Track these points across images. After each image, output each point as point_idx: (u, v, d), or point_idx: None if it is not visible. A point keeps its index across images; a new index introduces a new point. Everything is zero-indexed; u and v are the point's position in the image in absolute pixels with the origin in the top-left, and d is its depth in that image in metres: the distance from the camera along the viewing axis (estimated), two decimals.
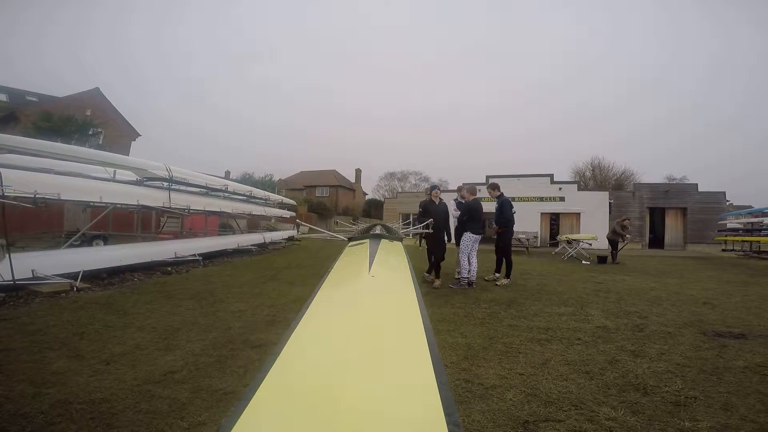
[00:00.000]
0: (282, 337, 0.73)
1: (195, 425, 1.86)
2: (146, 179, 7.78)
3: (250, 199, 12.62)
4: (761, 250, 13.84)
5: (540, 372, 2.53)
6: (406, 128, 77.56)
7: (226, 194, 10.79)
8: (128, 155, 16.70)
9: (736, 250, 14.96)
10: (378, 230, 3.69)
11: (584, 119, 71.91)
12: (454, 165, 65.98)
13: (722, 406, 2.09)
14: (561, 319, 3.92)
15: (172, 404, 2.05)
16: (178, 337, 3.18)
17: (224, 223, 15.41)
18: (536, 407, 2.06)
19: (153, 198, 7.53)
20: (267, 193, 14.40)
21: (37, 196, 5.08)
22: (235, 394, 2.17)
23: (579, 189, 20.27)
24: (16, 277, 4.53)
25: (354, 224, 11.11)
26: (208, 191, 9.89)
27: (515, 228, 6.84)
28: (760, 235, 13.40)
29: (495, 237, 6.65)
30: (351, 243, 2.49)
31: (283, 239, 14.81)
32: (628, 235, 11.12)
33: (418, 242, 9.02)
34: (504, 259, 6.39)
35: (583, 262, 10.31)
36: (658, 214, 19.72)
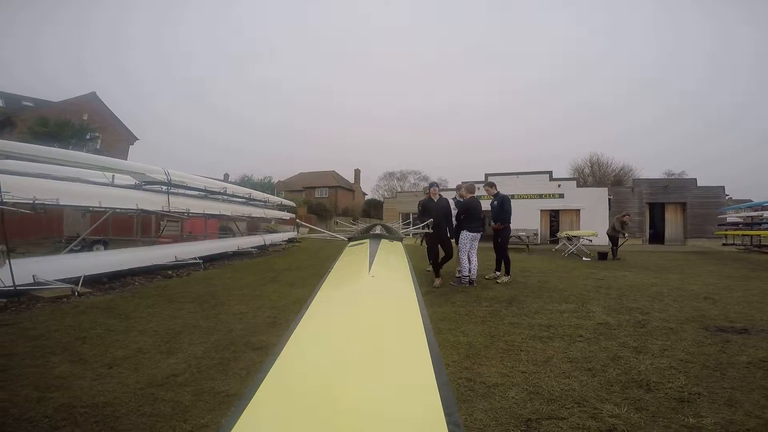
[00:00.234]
0: (282, 337, 0.73)
1: (198, 428, 1.86)
2: (145, 183, 7.78)
3: (249, 201, 12.63)
4: (762, 244, 13.83)
5: (542, 370, 2.53)
6: (406, 128, 77.62)
7: (225, 197, 10.80)
8: (126, 159, 16.73)
9: (736, 245, 14.96)
10: (378, 230, 3.69)
11: (583, 117, 72.02)
12: (454, 164, 65.99)
13: (726, 401, 2.08)
14: (562, 317, 3.92)
15: (175, 407, 2.05)
16: (179, 340, 3.18)
17: (224, 226, 15.42)
18: (539, 405, 2.05)
19: (152, 202, 7.53)
20: (266, 195, 14.40)
21: (36, 201, 5.08)
22: (238, 396, 2.17)
23: (578, 186, 20.26)
24: (17, 283, 4.53)
25: (354, 224, 11.11)
26: (207, 194, 9.89)
27: (511, 225, 6.83)
28: (760, 229, 13.40)
29: (493, 234, 6.64)
30: (351, 243, 2.49)
31: (283, 241, 14.81)
32: (627, 233, 11.12)
33: (419, 241, 9.01)
34: (503, 256, 6.39)
35: (584, 258, 10.30)
36: (657, 210, 19.73)
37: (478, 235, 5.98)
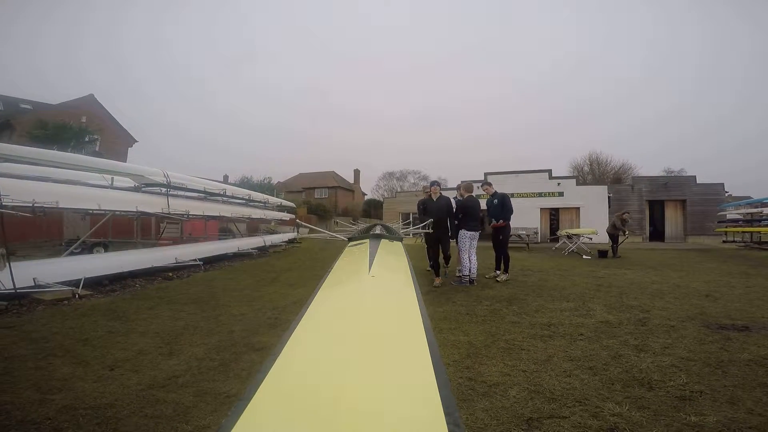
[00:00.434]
0: (282, 337, 0.73)
1: (200, 428, 1.86)
2: (144, 185, 7.77)
3: (249, 202, 12.62)
4: (762, 240, 13.83)
5: (543, 368, 2.53)
6: (406, 128, 77.71)
7: (225, 198, 10.79)
8: (125, 161, 16.72)
9: (736, 241, 14.96)
10: (378, 230, 3.69)
11: (583, 116, 72.06)
12: (454, 164, 66.06)
13: (728, 399, 2.08)
14: (563, 315, 3.91)
15: (177, 408, 2.05)
16: (180, 341, 3.18)
17: (224, 228, 15.41)
18: (540, 404, 2.05)
19: (151, 204, 7.52)
20: (266, 196, 14.39)
21: (35, 204, 5.08)
22: (239, 396, 2.17)
23: (578, 184, 20.25)
24: (18, 286, 4.53)
25: (354, 224, 11.11)
26: (207, 196, 9.88)
27: (511, 224, 6.81)
28: (760, 226, 13.40)
29: (492, 232, 6.62)
30: (351, 243, 2.49)
31: (283, 242, 14.81)
32: (627, 231, 11.12)
33: (422, 240, 8.97)
34: (503, 254, 6.39)
35: (584, 256, 10.30)
36: (657, 207, 19.72)
37: (477, 234, 5.98)
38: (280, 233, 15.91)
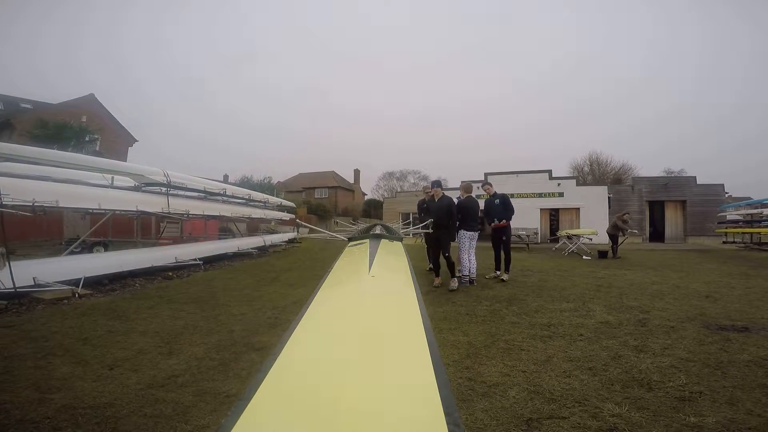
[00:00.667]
0: (282, 337, 0.73)
1: (199, 428, 1.86)
2: (144, 185, 7.77)
3: (249, 202, 12.62)
4: (762, 241, 13.83)
5: (543, 369, 2.53)
6: (406, 128, 77.72)
7: (225, 198, 10.79)
8: (125, 161, 16.73)
9: (736, 242, 14.95)
10: (378, 230, 3.69)
11: (583, 116, 72.09)
12: (454, 163, 66.10)
13: (728, 400, 2.08)
14: (563, 315, 3.91)
15: (176, 408, 2.05)
16: (180, 341, 3.18)
17: (224, 227, 15.41)
18: (539, 404, 2.05)
19: (152, 203, 7.52)
20: (266, 195, 14.39)
21: (35, 203, 5.08)
22: (238, 396, 2.17)
23: (578, 184, 20.25)
24: (17, 285, 4.53)
25: (354, 224, 11.11)
26: (207, 195, 9.88)
27: (511, 224, 6.78)
28: (760, 227, 13.40)
29: (493, 233, 6.61)
30: (351, 243, 2.49)
31: (283, 241, 14.81)
32: (628, 230, 11.11)
33: (422, 240, 8.93)
34: (505, 254, 6.38)
35: (584, 257, 10.30)
36: (657, 208, 19.72)
37: (476, 235, 5.98)
38: (280, 233, 15.91)
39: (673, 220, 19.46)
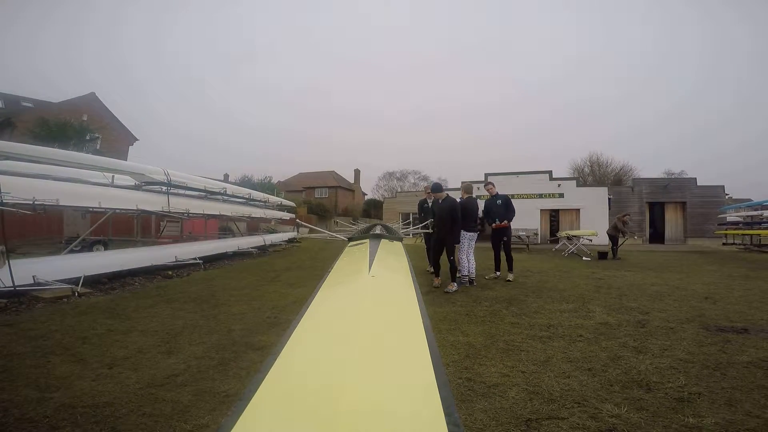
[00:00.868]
0: (282, 336, 0.73)
1: (198, 428, 1.86)
2: (145, 184, 7.78)
3: (249, 201, 12.62)
4: (762, 243, 13.83)
5: (542, 369, 2.53)
6: (406, 128, 77.69)
7: (225, 197, 10.80)
8: (126, 160, 16.72)
9: (736, 244, 14.95)
10: (378, 230, 3.69)
11: (583, 116, 72.12)
12: (454, 163, 66.12)
13: (726, 401, 2.08)
14: (562, 316, 3.92)
15: (175, 407, 2.05)
16: (179, 340, 3.18)
17: (224, 226, 15.42)
18: (539, 405, 2.05)
19: (152, 202, 7.53)
20: (266, 195, 14.39)
21: (35, 202, 5.08)
22: (238, 396, 2.17)
23: (578, 185, 20.25)
24: (17, 284, 4.53)
25: (354, 224, 11.11)
26: (207, 194, 9.89)
27: (511, 224, 6.76)
28: (760, 228, 13.40)
29: (493, 233, 6.60)
30: (351, 243, 2.49)
31: (283, 241, 14.81)
32: (628, 231, 11.11)
33: (422, 240, 8.89)
34: (506, 255, 6.38)
35: (584, 258, 10.30)
36: (657, 209, 19.73)
37: (476, 235, 5.98)
38: (280, 233, 15.92)
39: (673, 222, 19.47)
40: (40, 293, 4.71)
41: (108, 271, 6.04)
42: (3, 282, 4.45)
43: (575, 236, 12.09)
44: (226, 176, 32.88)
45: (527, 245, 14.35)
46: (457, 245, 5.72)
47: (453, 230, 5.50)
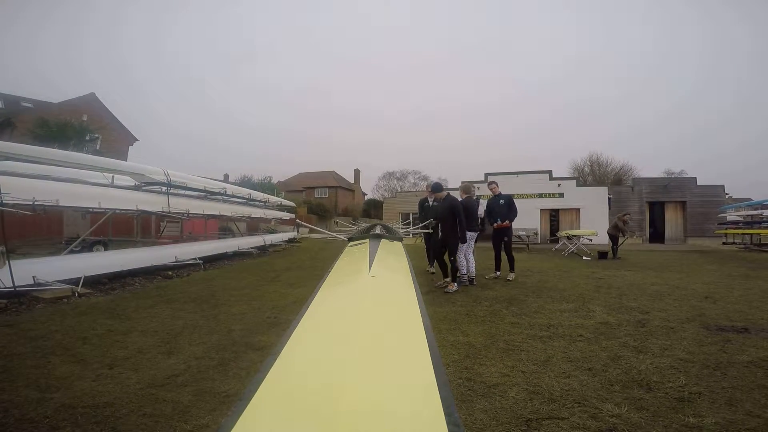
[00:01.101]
0: (282, 336, 0.73)
1: (199, 428, 1.86)
2: (144, 184, 7.78)
3: (249, 201, 12.62)
4: (762, 242, 13.83)
5: (542, 369, 2.53)
6: (406, 128, 77.67)
7: (225, 197, 10.80)
8: (126, 160, 16.71)
9: (736, 243, 14.96)
10: (378, 230, 3.69)
11: (583, 116, 72.12)
12: (454, 163, 66.12)
13: (727, 401, 2.08)
14: (563, 316, 3.92)
15: (176, 407, 2.05)
16: (180, 340, 3.18)
17: (224, 227, 15.42)
18: (539, 405, 2.05)
19: (152, 203, 7.53)
20: (266, 195, 14.39)
21: (35, 202, 5.08)
22: (238, 396, 2.17)
23: (578, 185, 20.25)
24: (17, 284, 4.53)
25: (354, 224, 11.11)
26: (207, 195, 9.89)
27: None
28: (760, 228, 13.40)
29: (494, 233, 6.59)
30: (351, 243, 2.49)
31: (283, 241, 14.81)
32: (629, 230, 11.12)
33: (422, 240, 8.87)
34: (507, 255, 6.38)
35: (584, 258, 10.31)
36: (657, 209, 19.73)
37: (475, 235, 5.98)
38: (280, 233, 15.92)
39: (673, 221, 19.47)
40: (41, 294, 4.71)
41: (108, 271, 6.04)
42: (3, 282, 4.45)
43: (575, 236, 12.09)
44: (226, 176, 32.89)
45: (527, 245, 14.35)
46: (461, 244, 5.70)
47: (455, 229, 5.38)
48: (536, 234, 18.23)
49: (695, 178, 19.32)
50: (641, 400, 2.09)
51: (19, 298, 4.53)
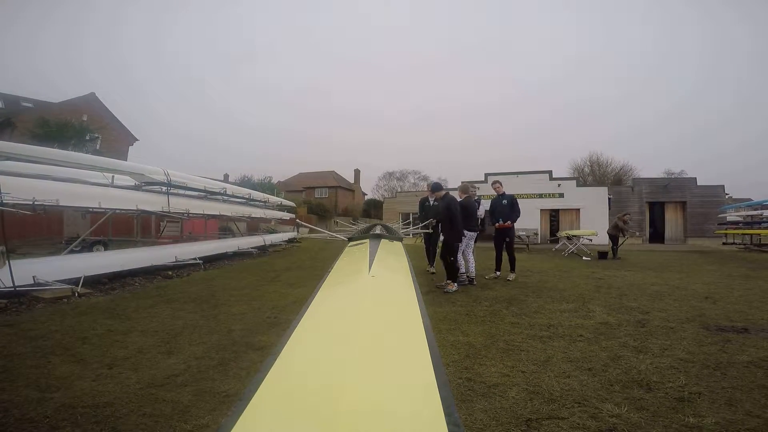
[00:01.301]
0: (282, 336, 0.73)
1: (199, 428, 1.86)
2: (144, 184, 7.78)
3: (249, 201, 12.62)
4: (762, 242, 13.83)
5: (542, 369, 2.53)
6: (406, 128, 77.68)
7: (225, 197, 10.80)
8: (126, 160, 16.72)
9: (736, 243, 14.95)
10: (378, 230, 3.69)
11: (583, 116, 72.13)
12: (454, 163, 66.13)
13: (727, 401, 2.08)
14: (563, 316, 3.92)
15: (176, 407, 2.05)
16: (179, 340, 3.18)
17: (224, 227, 15.42)
18: (539, 405, 2.05)
19: (152, 203, 7.53)
20: (266, 195, 14.39)
21: (35, 202, 5.08)
22: (238, 396, 2.17)
23: (578, 185, 20.25)
24: (17, 284, 4.53)
25: (354, 224, 11.11)
26: (207, 195, 9.89)
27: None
28: (760, 228, 13.39)
29: (496, 233, 6.59)
30: (351, 243, 2.49)
31: (283, 241, 14.81)
32: (629, 230, 11.11)
33: (421, 240, 8.85)
34: (509, 255, 6.38)
35: (584, 258, 10.30)
36: (657, 209, 19.73)
37: (474, 234, 5.97)
38: (280, 233, 15.92)
39: (673, 221, 19.47)
40: (41, 293, 4.71)
41: (108, 271, 6.03)
42: (3, 282, 4.45)
43: (575, 236, 12.09)
44: (226, 176, 32.89)
45: (527, 245, 14.35)
46: (458, 244, 5.69)
47: (452, 228, 5.35)
48: (536, 234, 18.23)
49: (695, 178, 19.34)
50: (641, 400, 2.09)
51: (19, 298, 4.53)
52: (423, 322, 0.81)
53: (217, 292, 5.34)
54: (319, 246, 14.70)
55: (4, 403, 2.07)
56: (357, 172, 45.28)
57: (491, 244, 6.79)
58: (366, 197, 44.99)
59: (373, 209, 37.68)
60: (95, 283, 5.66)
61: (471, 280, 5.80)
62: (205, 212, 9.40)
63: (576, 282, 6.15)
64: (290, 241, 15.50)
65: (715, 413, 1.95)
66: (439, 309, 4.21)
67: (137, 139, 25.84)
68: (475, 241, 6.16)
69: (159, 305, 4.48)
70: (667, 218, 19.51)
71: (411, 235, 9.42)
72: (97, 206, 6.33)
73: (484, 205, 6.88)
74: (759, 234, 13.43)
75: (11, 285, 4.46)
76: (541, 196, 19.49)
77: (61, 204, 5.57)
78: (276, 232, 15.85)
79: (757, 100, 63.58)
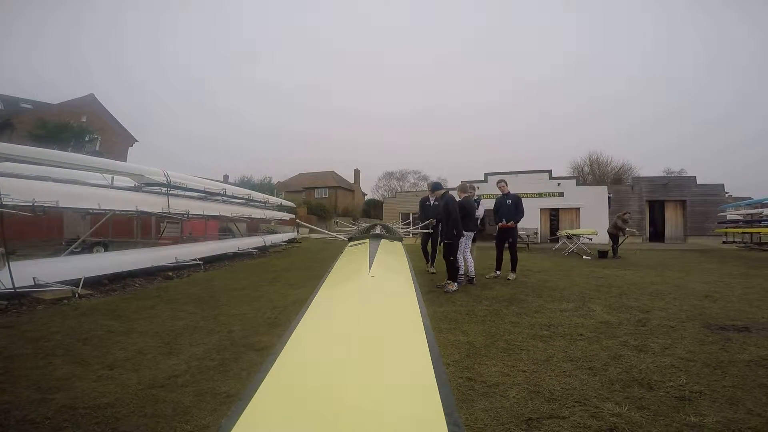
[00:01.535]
0: (282, 337, 0.73)
1: (199, 428, 1.86)
2: (144, 185, 7.78)
3: (249, 202, 12.62)
4: (762, 241, 13.83)
5: (543, 369, 2.53)
6: (406, 128, 77.70)
7: (225, 198, 10.80)
8: (125, 161, 16.73)
9: (736, 242, 14.95)
10: (378, 230, 3.69)
11: (583, 116, 72.13)
12: (454, 163, 66.12)
13: (728, 400, 2.08)
14: (563, 315, 3.91)
15: (176, 408, 2.05)
16: (180, 341, 3.18)
17: (224, 227, 15.42)
18: (539, 404, 2.05)
19: (152, 204, 7.52)
20: (266, 195, 14.39)
21: (35, 204, 5.08)
22: (238, 396, 2.17)
23: (578, 184, 20.24)
24: (17, 286, 4.53)
25: (354, 224, 11.11)
26: (207, 195, 9.89)
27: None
28: (760, 227, 13.39)
29: (498, 232, 6.58)
30: (351, 243, 2.49)
31: (283, 241, 14.81)
32: (629, 229, 11.11)
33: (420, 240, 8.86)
34: (511, 255, 6.37)
35: (584, 257, 10.30)
36: (657, 208, 19.72)
37: (472, 234, 5.98)
38: (280, 233, 15.91)
39: (672, 220, 19.47)
40: (41, 295, 4.71)
41: (108, 272, 6.03)
42: (3, 284, 4.45)
43: (575, 235, 12.09)
44: (226, 177, 32.89)
45: (527, 244, 14.34)
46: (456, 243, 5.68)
47: (449, 227, 5.28)
48: (536, 233, 18.21)
49: (695, 177, 19.31)
50: (642, 399, 2.09)
51: (19, 300, 4.53)
52: (423, 321, 0.81)
53: (217, 292, 5.34)
54: (319, 246, 14.70)
55: (5, 405, 2.07)
56: (357, 172, 45.29)
57: (492, 244, 6.77)
58: (366, 197, 44.99)
59: (372, 209, 37.69)
60: (95, 284, 5.66)
61: (471, 280, 5.79)
62: (205, 213, 9.40)
63: (576, 281, 6.14)
64: (290, 241, 15.50)
65: (716, 412, 1.95)
66: (439, 308, 4.21)
67: (137, 140, 25.89)
68: (474, 241, 6.15)
69: (159, 306, 4.48)
70: (666, 217, 19.50)
71: (411, 235, 9.42)
72: (97, 207, 6.32)
73: (484, 205, 6.88)
74: (759, 232, 13.42)
75: (11, 286, 4.46)
76: (540, 195, 19.49)
77: (60, 205, 5.57)
78: (276, 233, 15.85)
79: (756, 99, 63.66)
